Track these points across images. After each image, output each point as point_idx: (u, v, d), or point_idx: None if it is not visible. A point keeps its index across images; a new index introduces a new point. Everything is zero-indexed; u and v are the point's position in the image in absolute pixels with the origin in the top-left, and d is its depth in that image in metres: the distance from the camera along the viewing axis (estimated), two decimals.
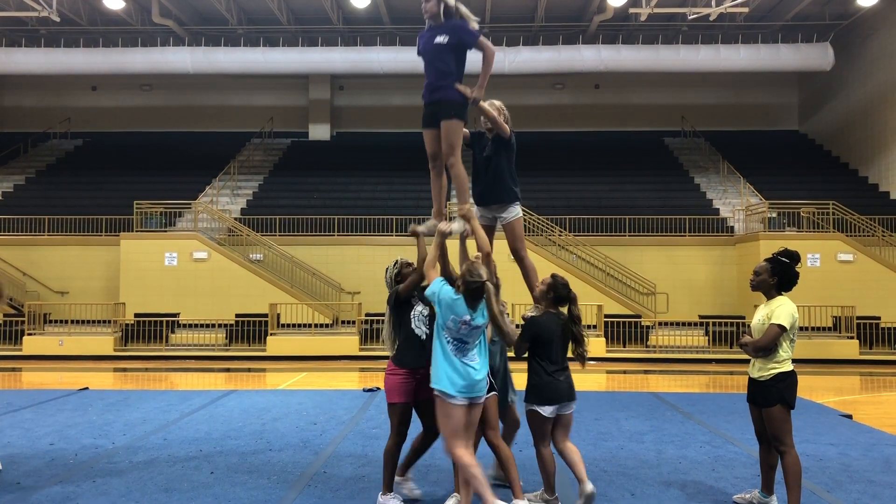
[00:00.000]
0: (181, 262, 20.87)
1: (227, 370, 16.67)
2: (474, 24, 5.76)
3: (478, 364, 4.96)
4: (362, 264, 21.17)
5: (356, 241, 21.95)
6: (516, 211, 6.00)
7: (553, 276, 5.63)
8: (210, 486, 6.04)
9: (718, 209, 23.76)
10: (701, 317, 20.43)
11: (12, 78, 27.65)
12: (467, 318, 4.87)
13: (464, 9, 5.78)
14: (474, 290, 4.84)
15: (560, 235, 21.81)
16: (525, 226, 21.93)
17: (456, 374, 4.88)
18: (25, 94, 29.88)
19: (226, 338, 19.78)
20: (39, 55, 25.21)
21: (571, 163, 26.88)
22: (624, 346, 19.36)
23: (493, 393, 5.33)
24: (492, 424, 5.28)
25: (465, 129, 5.93)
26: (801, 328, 17.39)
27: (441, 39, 5.73)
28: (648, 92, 29.21)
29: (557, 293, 5.49)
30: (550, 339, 5.35)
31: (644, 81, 28.46)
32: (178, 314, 20.32)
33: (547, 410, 5.29)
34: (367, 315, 19.71)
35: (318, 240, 22.19)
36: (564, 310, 5.56)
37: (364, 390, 11.78)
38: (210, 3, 24.27)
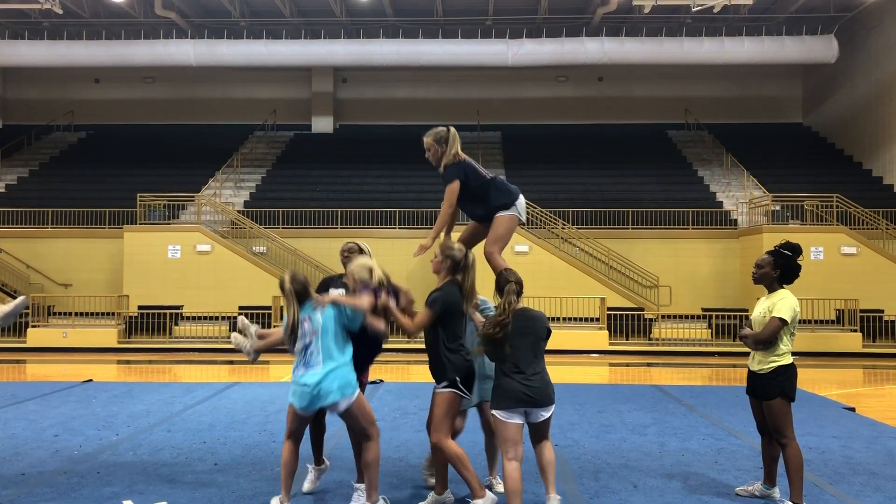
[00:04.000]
0: (184, 255, 20.90)
1: (231, 362, 16.70)
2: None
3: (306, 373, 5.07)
4: None
5: (359, 234, 21.90)
6: (504, 211, 5.67)
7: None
8: (214, 478, 6.06)
9: (722, 202, 23.72)
10: (704, 310, 20.42)
11: (15, 70, 27.68)
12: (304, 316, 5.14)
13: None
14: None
15: (563, 228, 21.79)
16: (528, 219, 22.01)
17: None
18: (29, 86, 29.88)
19: (229, 330, 19.81)
20: (42, 47, 25.18)
21: (574, 156, 26.85)
22: (627, 339, 19.38)
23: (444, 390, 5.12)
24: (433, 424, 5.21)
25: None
26: (804, 321, 17.40)
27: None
28: (652, 84, 29.14)
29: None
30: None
31: (648, 74, 28.39)
32: (182, 306, 20.35)
33: (503, 415, 4.88)
34: None
35: (321, 232, 22.19)
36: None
37: (368, 383, 11.77)
38: None
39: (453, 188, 5.59)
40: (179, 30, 26.12)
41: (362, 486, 5.30)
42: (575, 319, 19.39)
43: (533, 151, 27.10)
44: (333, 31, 26.34)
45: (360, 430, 5.17)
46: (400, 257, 20.92)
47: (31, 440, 7.42)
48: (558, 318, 19.18)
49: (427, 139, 5.75)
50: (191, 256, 20.88)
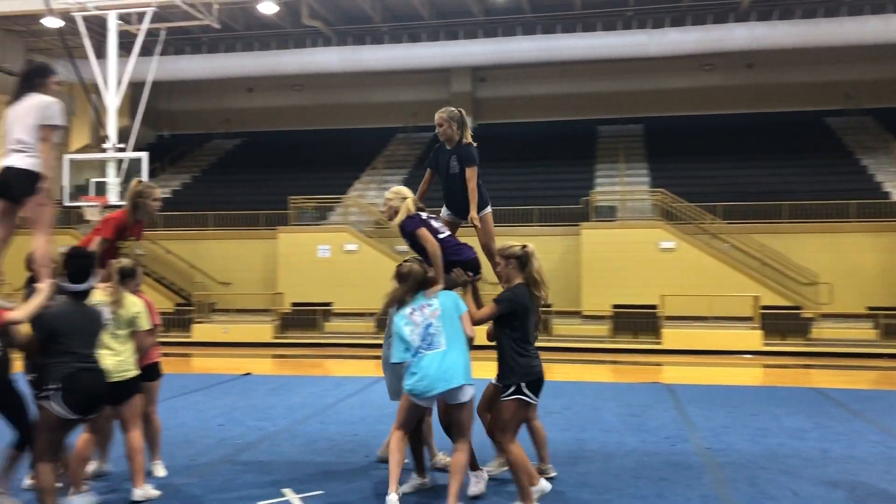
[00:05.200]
0: (334, 254, 21.75)
1: (378, 357, 17.19)
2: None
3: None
4: None
5: (497, 232, 21.95)
6: (486, 209, 6.11)
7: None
8: (367, 470, 6.27)
9: (889, 192, 22.00)
10: (869, 308, 19.04)
11: (179, 83, 29.69)
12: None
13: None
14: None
15: (712, 223, 20.94)
16: (673, 213, 21.34)
17: None
18: (190, 98, 32.01)
19: (376, 326, 20.42)
20: (202, 61, 26.98)
21: (723, 147, 25.71)
22: (783, 339, 18.37)
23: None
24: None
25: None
26: None
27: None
28: (807, 69, 27.39)
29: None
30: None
31: (802, 58, 26.68)
32: (332, 303, 21.18)
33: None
34: None
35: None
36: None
37: None
38: (356, 2, 25.07)
39: (475, 170, 5.97)
40: (325, 37, 27.19)
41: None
42: (725, 319, 18.59)
43: (678, 144, 26.21)
44: (471, 31, 26.56)
45: (463, 428, 5.02)
46: (538, 254, 20.85)
47: (198, 429, 7.95)
48: (707, 318, 18.49)
49: (441, 115, 6.20)
50: (339, 256, 21.69)
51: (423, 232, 5.46)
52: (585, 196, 21.90)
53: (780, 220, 21.01)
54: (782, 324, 18.61)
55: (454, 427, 5.12)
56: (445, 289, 5.35)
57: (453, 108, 6.19)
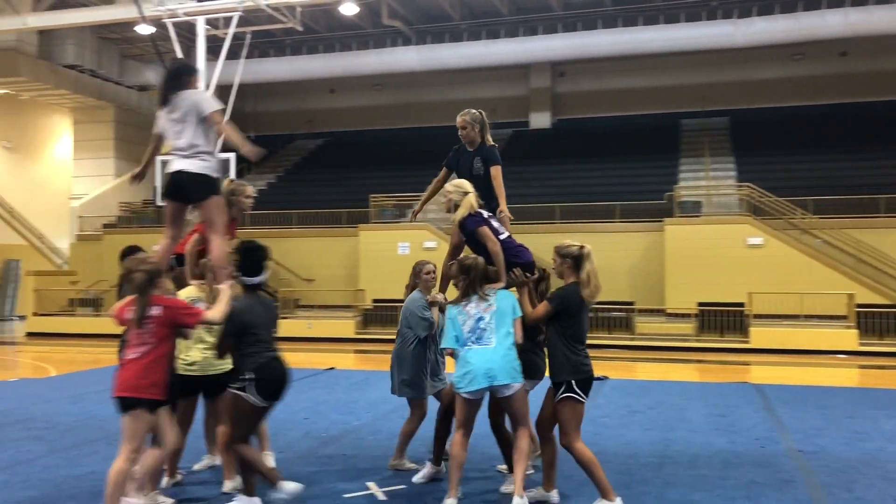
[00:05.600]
0: (413, 251, 21.89)
1: None
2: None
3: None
4: None
5: (578, 229, 21.67)
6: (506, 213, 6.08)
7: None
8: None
9: None
10: None
11: (264, 86, 30.45)
12: None
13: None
14: None
15: (803, 218, 20.18)
16: (761, 208, 20.63)
17: None
18: (274, 99, 32.80)
19: None
20: (285, 63, 27.62)
21: (814, 139, 24.73)
22: (881, 339, 17.55)
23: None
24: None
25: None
26: None
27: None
28: None
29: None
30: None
31: None
32: None
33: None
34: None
35: (539, 228, 22.22)
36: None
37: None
38: (435, 1, 25.20)
39: (500, 168, 6.11)
40: (404, 37, 27.42)
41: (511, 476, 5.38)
42: (817, 317, 17.90)
43: (766, 136, 25.36)
44: (550, 26, 26.32)
45: (519, 416, 5.13)
46: (620, 251, 20.54)
47: (286, 422, 8.14)
48: (798, 316, 17.84)
49: (464, 118, 6.26)
50: (418, 253, 21.78)
51: (486, 231, 5.48)
52: (669, 191, 21.43)
53: (877, 214, 20.07)
54: (880, 323, 17.77)
55: (510, 418, 5.27)
56: (505, 288, 5.37)
57: (475, 111, 6.29)
